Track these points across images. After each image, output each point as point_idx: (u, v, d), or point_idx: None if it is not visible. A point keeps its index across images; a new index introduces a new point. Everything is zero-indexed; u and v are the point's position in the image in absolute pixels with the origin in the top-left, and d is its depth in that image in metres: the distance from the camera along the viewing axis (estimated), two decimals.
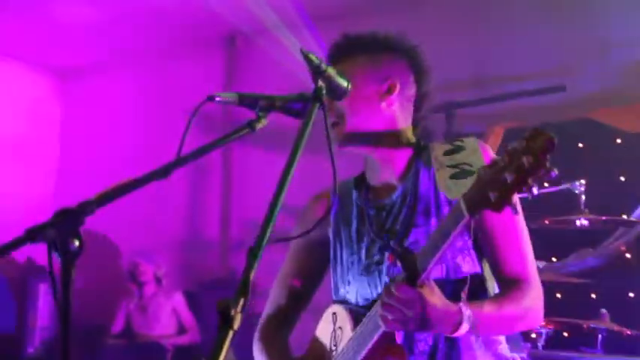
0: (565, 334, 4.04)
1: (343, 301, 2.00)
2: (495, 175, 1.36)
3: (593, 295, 4.25)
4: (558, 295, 4.28)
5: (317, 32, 5.79)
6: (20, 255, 6.23)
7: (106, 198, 1.28)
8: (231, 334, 1.10)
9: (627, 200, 4.30)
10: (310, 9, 5.66)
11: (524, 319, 1.84)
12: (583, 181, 3.61)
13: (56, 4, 5.76)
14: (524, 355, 3.27)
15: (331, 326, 1.98)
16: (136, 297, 5.75)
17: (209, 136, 1.43)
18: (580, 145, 4.65)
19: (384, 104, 1.92)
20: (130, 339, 5.65)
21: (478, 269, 1.84)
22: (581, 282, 3.88)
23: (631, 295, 4.35)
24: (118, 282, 5.90)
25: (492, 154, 1.82)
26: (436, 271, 1.74)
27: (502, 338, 1.92)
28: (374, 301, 1.76)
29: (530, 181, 1.31)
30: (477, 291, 1.82)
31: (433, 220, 1.85)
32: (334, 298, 2.05)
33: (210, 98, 1.49)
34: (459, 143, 1.83)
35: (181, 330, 5.66)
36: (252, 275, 1.17)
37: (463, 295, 1.74)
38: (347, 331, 1.89)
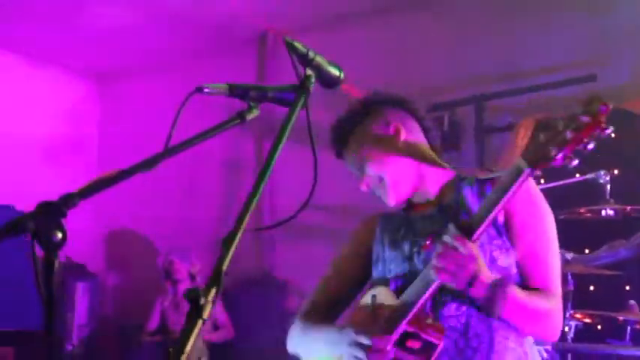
0: (599, 327, 3.96)
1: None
2: (555, 133, 1.55)
3: (627, 287, 4.16)
4: (591, 288, 4.20)
5: (347, 29, 5.80)
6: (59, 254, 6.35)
7: (89, 191, 1.30)
8: (200, 323, 1.10)
9: None
10: (338, 7, 5.67)
11: (546, 319, 1.87)
12: (607, 172, 3.56)
13: (92, 10, 5.87)
14: (548, 347, 3.24)
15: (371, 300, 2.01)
16: (170, 294, 5.82)
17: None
18: (612, 135, 4.53)
19: (401, 145, 2.02)
20: (165, 336, 5.71)
21: (511, 268, 1.88)
22: (614, 274, 3.80)
23: None
24: (154, 280, 5.98)
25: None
26: None
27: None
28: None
29: (586, 139, 1.52)
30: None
31: None
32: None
33: (199, 89, 1.50)
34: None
35: (215, 327, 5.70)
36: (225, 266, 1.16)
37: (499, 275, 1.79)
38: (389, 302, 1.92)
